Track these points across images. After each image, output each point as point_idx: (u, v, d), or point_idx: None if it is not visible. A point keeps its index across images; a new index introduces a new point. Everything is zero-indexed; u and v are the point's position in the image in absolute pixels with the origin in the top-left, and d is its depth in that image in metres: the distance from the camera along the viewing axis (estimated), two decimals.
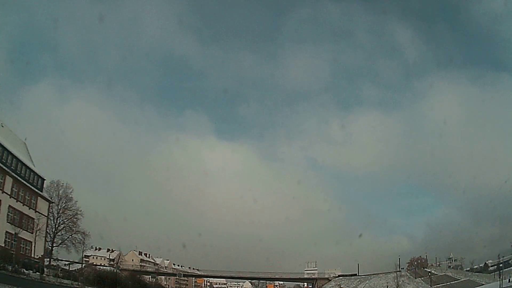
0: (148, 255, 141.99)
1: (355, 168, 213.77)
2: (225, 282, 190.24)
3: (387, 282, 75.73)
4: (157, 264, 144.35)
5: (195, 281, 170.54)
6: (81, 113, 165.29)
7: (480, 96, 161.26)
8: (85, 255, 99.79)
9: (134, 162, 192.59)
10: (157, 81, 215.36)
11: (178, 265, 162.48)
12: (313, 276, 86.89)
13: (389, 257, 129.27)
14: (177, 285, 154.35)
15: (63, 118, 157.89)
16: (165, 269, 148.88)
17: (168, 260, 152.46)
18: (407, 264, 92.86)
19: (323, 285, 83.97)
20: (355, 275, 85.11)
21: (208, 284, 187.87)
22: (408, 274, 79.41)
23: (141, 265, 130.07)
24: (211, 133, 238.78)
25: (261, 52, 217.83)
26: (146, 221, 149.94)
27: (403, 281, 75.74)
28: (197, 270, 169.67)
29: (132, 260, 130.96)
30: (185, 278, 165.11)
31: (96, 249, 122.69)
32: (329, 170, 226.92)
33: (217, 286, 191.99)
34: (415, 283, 74.03)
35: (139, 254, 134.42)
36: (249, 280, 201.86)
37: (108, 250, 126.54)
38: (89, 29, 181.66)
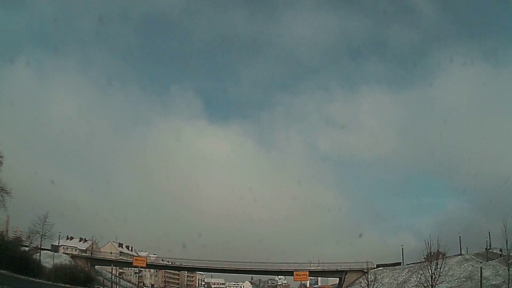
0: (131, 248, 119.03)
1: (359, 157, 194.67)
2: (223, 282, 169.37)
3: (450, 269, 54.75)
4: None
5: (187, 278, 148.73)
6: (59, 95, 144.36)
7: (495, 75, 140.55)
8: (54, 245, 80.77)
9: (121, 153, 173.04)
10: (136, 50, 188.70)
11: (168, 261, 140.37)
12: (341, 268, 64.79)
13: (395, 254, 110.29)
14: (165, 279, 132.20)
15: (38, 102, 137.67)
16: None
17: (155, 255, 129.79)
18: (424, 259, 76.68)
19: (357, 278, 62.28)
20: (399, 263, 63.63)
21: (203, 284, 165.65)
22: (474, 257, 58.10)
23: (121, 258, 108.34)
24: (201, 114, 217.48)
25: (255, 15, 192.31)
26: (139, 218, 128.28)
27: (473, 265, 54.80)
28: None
29: (111, 253, 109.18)
30: (177, 273, 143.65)
31: (67, 238, 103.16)
32: (331, 159, 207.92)
33: (215, 286, 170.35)
34: (490, 266, 53.14)
35: (119, 246, 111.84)
36: (249, 281, 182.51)
37: (81, 239, 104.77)
38: None
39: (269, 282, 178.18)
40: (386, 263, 63.98)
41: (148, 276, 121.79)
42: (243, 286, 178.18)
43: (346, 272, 63.51)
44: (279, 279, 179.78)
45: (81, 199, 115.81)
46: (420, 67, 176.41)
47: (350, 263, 63.87)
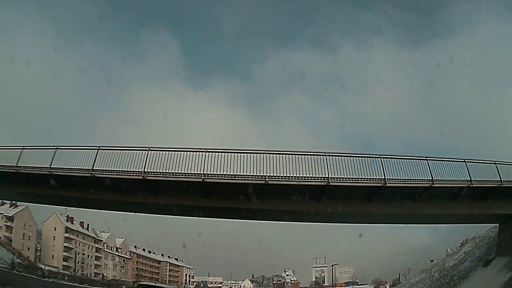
0: (86, 226, 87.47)
1: (369, 127, 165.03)
2: (221, 280, 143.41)
3: None
4: (100, 240, 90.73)
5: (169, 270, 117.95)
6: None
7: None
8: None
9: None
10: None
11: (144, 249, 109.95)
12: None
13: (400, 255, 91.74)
14: (137, 272, 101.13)
15: None
16: (117, 250, 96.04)
17: (123, 238, 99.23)
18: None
19: None
20: None
21: (192, 281, 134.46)
22: None
23: (65, 237, 77.82)
24: (179, 76, 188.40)
25: None
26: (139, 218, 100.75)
27: None
28: (181, 261, 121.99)
29: (55, 228, 79.36)
30: (156, 266, 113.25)
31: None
32: (336, 131, 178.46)
33: (212, 285, 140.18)
34: None
35: (67, 220, 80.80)
36: (250, 279, 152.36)
37: (12, 205, 73.02)
38: None
39: (274, 279, 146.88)
40: None
41: (111, 266, 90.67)
42: (244, 285, 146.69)
43: None
44: (287, 275, 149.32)
45: None
46: (442, 14, 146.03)
47: None
